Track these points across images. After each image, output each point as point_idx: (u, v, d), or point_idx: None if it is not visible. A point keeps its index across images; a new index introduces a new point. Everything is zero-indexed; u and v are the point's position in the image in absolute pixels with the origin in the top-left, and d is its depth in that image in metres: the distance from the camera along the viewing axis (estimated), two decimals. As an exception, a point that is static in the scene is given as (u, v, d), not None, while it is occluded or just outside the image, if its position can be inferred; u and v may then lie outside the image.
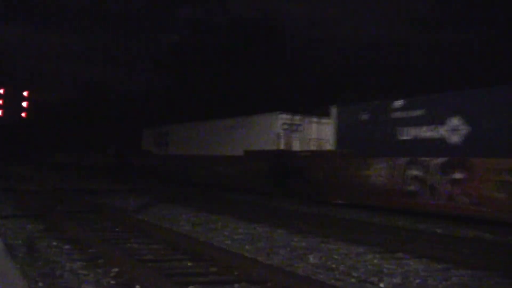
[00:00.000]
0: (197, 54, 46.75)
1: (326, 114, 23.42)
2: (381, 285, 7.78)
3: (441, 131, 16.84)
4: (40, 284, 7.19)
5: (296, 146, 24.23)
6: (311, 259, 9.50)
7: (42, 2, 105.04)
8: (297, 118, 24.69)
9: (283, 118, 24.30)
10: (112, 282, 7.39)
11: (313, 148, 24.23)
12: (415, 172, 16.90)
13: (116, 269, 7.96)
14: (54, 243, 10.22)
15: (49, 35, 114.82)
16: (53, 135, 76.03)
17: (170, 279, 7.23)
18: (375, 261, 9.46)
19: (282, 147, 23.92)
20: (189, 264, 8.67)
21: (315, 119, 24.82)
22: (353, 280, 8.03)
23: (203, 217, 15.35)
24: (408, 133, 18.07)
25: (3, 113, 30.25)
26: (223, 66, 44.87)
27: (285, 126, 24.22)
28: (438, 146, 16.86)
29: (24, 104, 30.26)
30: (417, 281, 8.06)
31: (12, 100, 30.33)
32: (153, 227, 12.30)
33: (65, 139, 68.70)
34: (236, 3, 72.49)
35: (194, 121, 32.99)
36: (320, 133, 24.53)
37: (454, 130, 16.41)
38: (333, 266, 8.95)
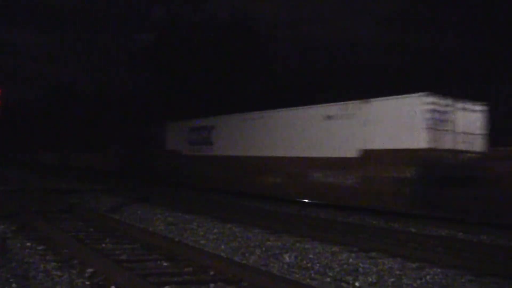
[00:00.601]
0: (173, 53, 46.50)
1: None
2: (357, 284, 7.83)
3: None
4: (13, 285, 7.12)
5: (446, 143, 16.95)
6: (287, 258, 9.53)
7: (24, 2, 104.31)
8: (445, 102, 17.21)
9: (429, 102, 16.65)
10: (87, 282, 7.33)
11: (462, 146, 17.12)
12: None
13: (91, 270, 7.91)
14: (28, 244, 10.11)
15: (22, 33, 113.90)
16: (49, 134, 71.52)
17: (145, 279, 7.20)
18: (350, 260, 9.52)
19: (427, 144, 16.36)
20: (164, 264, 8.64)
21: (468, 105, 17.69)
22: (328, 279, 8.08)
23: (178, 217, 15.30)
24: None
25: None
26: (198, 65, 44.70)
27: (432, 115, 16.65)
28: None
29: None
30: (392, 279, 8.13)
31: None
32: (128, 227, 12.23)
33: (62, 139, 63.09)
34: (213, 2, 72.30)
35: (261, 110, 23.52)
36: (468, 124, 17.58)
37: None
38: (309, 265, 9.00)
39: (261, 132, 22.76)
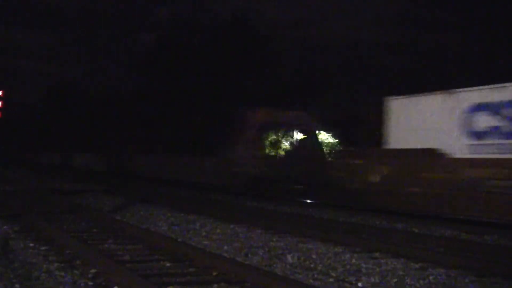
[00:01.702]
0: (176, 52, 46.46)
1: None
2: (359, 284, 7.82)
3: None
4: (16, 286, 7.11)
5: None
6: (289, 259, 9.52)
7: (19, 1, 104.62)
8: None
9: None
10: (90, 283, 7.34)
11: None
12: None
13: (93, 270, 7.91)
14: (31, 244, 10.11)
15: (26, 34, 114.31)
16: (89, 133, 60.68)
17: (148, 280, 7.20)
18: (353, 260, 9.51)
19: None
20: (167, 264, 8.64)
21: None
22: (331, 279, 8.07)
23: (181, 217, 15.28)
24: None
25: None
26: (201, 65, 44.68)
27: None
28: None
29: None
30: (395, 280, 8.12)
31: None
32: (131, 228, 12.23)
33: (113, 138, 49.60)
34: (215, 3, 72.47)
35: None
36: None
37: None
38: (311, 266, 8.99)
39: None
